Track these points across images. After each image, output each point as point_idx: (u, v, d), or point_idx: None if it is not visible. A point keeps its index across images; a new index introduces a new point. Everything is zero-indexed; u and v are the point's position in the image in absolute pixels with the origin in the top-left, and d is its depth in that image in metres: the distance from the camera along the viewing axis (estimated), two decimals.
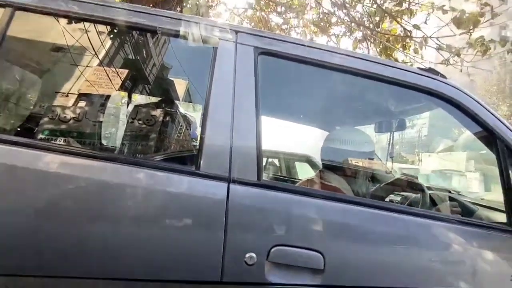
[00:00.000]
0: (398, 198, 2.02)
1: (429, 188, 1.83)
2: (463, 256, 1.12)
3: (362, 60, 1.26)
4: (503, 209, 1.18)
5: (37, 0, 1.14)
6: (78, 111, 1.72)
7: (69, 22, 1.28)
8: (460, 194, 1.90)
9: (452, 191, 1.91)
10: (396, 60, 4.11)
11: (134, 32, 1.59)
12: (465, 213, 1.56)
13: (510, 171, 1.17)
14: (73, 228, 0.94)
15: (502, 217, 1.20)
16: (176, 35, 1.16)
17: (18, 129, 1.63)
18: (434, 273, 1.08)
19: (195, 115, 1.84)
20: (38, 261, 0.92)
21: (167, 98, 1.99)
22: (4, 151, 0.97)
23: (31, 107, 1.86)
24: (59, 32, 1.52)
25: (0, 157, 0.96)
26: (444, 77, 1.33)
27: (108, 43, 1.68)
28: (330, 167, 1.66)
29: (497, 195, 1.25)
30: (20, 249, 0.92)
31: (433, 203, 1.63)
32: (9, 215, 0.93)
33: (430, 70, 1.34)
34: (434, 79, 1.29)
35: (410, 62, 4.02)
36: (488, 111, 1.25)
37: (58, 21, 1.31)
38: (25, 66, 2.09)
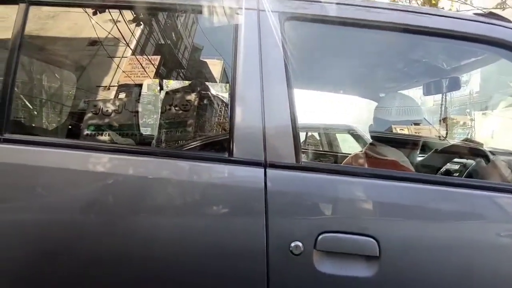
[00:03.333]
0: (456, 167, 1.82)
1: (492, 153, 1.62)
2: None
3: (410, 13, 1.08)
4: None
5: None
6: (117, 103, 1.72)
7: (85, 11, 1.23)
8: None
9: None
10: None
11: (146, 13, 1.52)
12: None
13: None
14: (115, 226, 0.94)
15: None
16: (191, 10, 1.07)
17: (69, 127, 1.70)
18: (506, 251, 0.93)
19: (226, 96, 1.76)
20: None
21: (195, 80, 1.92)
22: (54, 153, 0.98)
23: (74, 104, 1.90)
24: (77, 25, 1.49)
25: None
26: (509, 21, 1.12)
27: (125, 29, 1.63)
28: (382, 139, 1.51)
29: None
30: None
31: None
32: (64, 213, 0.95)
33: (491, 15, 1.13)
34: (497, 25, 1.08)
35: (457, 11, 3.58)
36: None
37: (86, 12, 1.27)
38: (56, 63, 2.12)
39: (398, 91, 1.90)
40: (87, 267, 0.94)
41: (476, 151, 1.61)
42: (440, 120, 2.11)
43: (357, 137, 3.25)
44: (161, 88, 2.15)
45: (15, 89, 1.07)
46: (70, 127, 1.73)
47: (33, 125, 1.93)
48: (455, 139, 1.97)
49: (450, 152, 1.69)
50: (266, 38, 1.03)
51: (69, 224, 0.94)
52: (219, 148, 1.16)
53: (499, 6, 3.02)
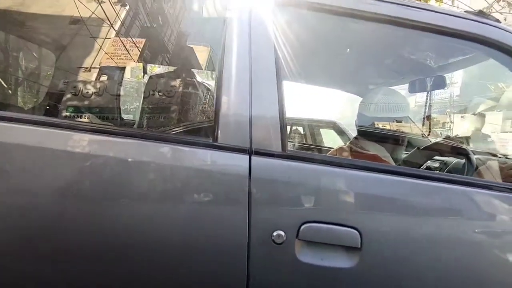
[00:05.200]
0: (436, 165, 1.85)
1: (473, 152, 1.65)
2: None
3: (402, 6, 1.07)
4: None
5: None
6: (98, 85, 1.65)
7: None
8: (508, 158, 1.71)
9: (499, 155, 1.72)
10: None
11: None
12: None
13: None
14: (91, 208, 0.89)
15: None
16: None
17: (47, 107, 1.61)
18: (481, 247, 0.94)
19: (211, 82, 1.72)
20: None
21: (182, 66, 1.87)
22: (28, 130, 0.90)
23: (52, 84, 1.82)
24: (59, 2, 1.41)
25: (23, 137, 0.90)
26: (498, 21, 1.12)
27: (110, 9, 1.56)
28: (366, 134, 1.50)
29: None
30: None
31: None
32: (37, 196, 0.89)
33: (480, 13, 1.13)
34: (486, 24, 1.08)
35: None
36: None
37: None
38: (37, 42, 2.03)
39: (386, 87, 1.91)
40: (63, 254, 0.89)
41: (458, 150, 1.64)
42: (423, 118, 2.14)
43: (341, 132, 3.28)
44: (145, 73, 2.09)
45: None
46: (48, 107, 1.66)
47: (7, 103, 1.84)
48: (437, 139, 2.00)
49: (433, 150, 1.71)
50: (256, 24, 1.00)
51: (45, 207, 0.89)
52: (203, 133, 1.12)
53: (485, 10, 3.07)
